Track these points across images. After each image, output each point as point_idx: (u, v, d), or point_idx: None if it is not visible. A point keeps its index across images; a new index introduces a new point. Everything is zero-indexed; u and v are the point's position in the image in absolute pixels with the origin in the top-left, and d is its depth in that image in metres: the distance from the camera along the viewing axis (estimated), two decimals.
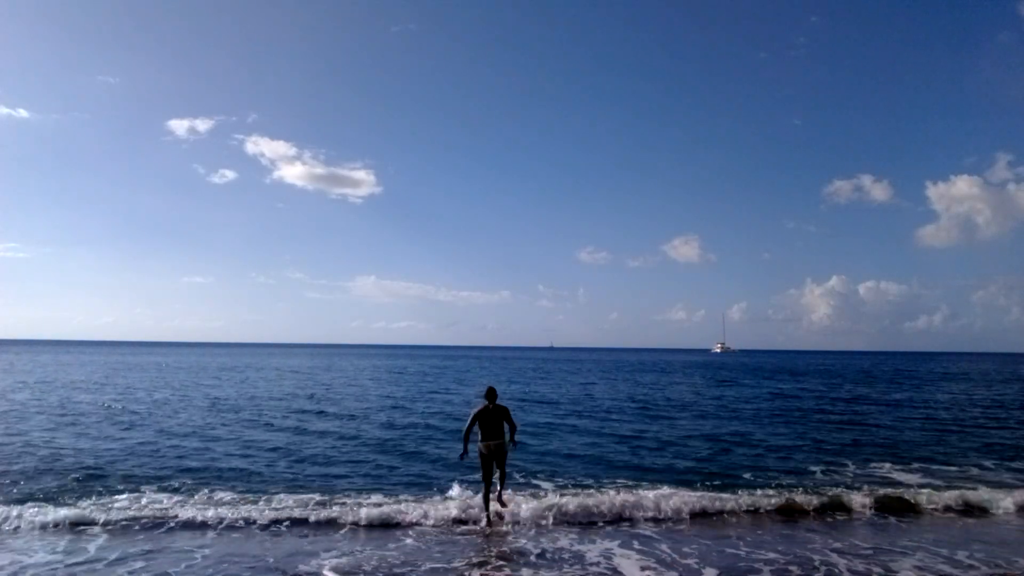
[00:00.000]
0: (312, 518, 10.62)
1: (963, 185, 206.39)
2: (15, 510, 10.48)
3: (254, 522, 10.44)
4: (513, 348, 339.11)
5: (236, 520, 10.46)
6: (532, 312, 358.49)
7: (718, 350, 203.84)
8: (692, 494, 12.03)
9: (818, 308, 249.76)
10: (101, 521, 10.28)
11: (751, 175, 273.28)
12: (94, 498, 11.70)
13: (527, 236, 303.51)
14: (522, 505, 11.04)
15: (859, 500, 11.92)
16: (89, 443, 18.02)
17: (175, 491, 12.43)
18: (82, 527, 10.09)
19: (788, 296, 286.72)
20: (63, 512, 10.38)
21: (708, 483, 13.67)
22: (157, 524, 10.31)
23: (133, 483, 13.09)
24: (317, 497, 11.84)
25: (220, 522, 10.38)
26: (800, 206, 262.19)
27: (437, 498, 11.94)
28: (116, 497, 11.70)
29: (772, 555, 9.10)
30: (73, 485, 12.89)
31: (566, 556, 8.95)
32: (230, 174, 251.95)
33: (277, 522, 10.49)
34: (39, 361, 73.62)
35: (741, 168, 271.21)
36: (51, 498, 11.67)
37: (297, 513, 10.82)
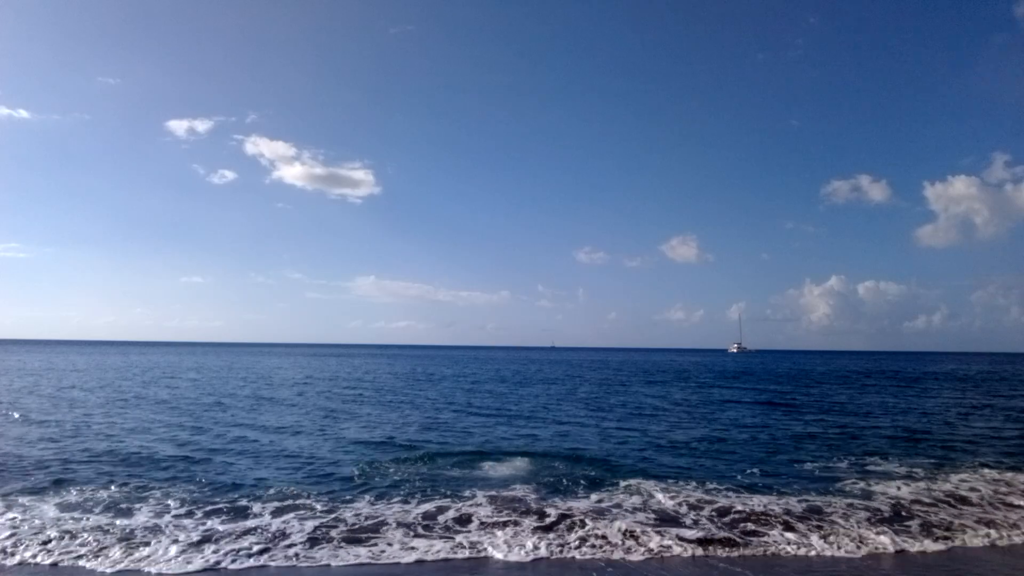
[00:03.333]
0: None
1: (961, 185, 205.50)
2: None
3: None
4: (513, 348, 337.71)
5: None
6: (532, 312, 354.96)
7: (734, 350, 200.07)
8: None
9: (817, 308, 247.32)
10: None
11: (749, 175, 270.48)
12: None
13: (526, 236, 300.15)
14: None
15: None
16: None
17: None
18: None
19: (787, 296, 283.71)
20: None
21: None
22: None
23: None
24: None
25: None
26: (798, 206, 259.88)
27: None
28: None
29: None
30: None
31: None
32: (229, 174, 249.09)
33: None
34: (23, 361, 72.21)
35: (739, 168, 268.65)
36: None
37: None
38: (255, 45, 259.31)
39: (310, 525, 10.42)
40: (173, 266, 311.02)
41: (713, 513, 11.45)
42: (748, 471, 15.34)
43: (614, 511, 11.51)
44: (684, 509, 11.69)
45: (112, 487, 12.77)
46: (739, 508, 11.77)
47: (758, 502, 12.22)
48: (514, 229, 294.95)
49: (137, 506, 11.38)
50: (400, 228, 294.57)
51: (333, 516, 10.98)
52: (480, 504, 11.88)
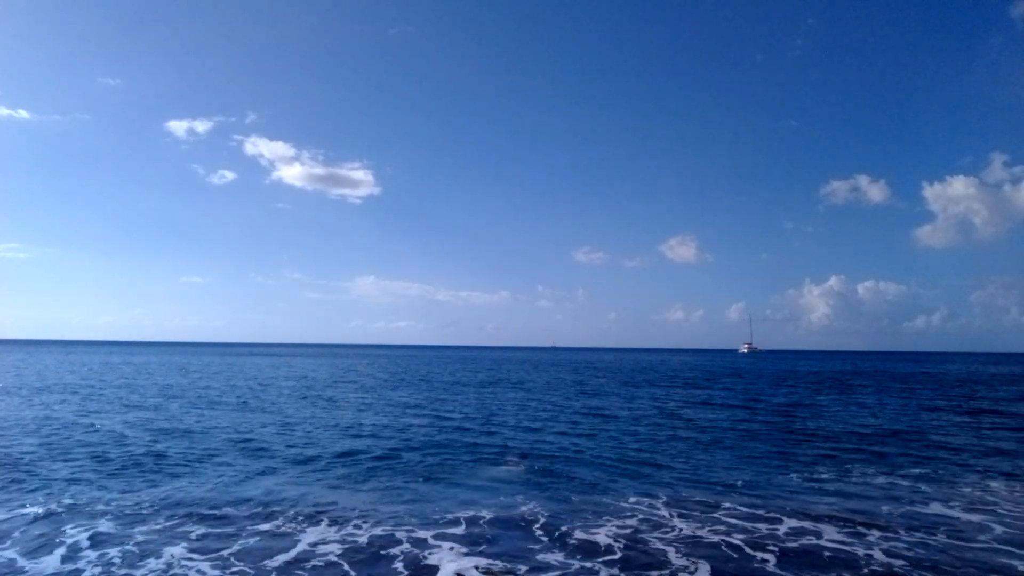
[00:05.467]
0: None
1: (959, 185, 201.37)
2: None
3: None
4: (513, 348, 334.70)
5: None
6: (531, 312, 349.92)
7: (745, 350, 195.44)
8: None
9: (817, 308, 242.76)
10: None
11: (748, 176, 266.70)
12: None
13: (525, 236, 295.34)
14: None
15: None
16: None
17: None
18: None
19: (787, 296, 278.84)
20: None
21: None
22: None
23: None
24: None
25: None
26: (797, 206, 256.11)
27: None
28: None
29: None
30: None
31: None
32: (229, 175, 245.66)
33: None
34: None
35: (737, 169, 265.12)
36: None
37: None
38: (255, 45, 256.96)
39: None
40: (173, 266, 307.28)
41: (782, 553, 8.51)
42: (752, 480, 12.65)
43: (651, 549, 8.58)
44: (740, 543, 8.76)
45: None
46: (813, 542, 8.85)
47: (829, 534, 9.30)
48: (513, 229, 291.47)
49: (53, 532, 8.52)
50: (400, 228, 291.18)
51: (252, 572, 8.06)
52: (460, 536, 8.97)
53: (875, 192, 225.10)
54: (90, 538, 8.72)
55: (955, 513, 10.67)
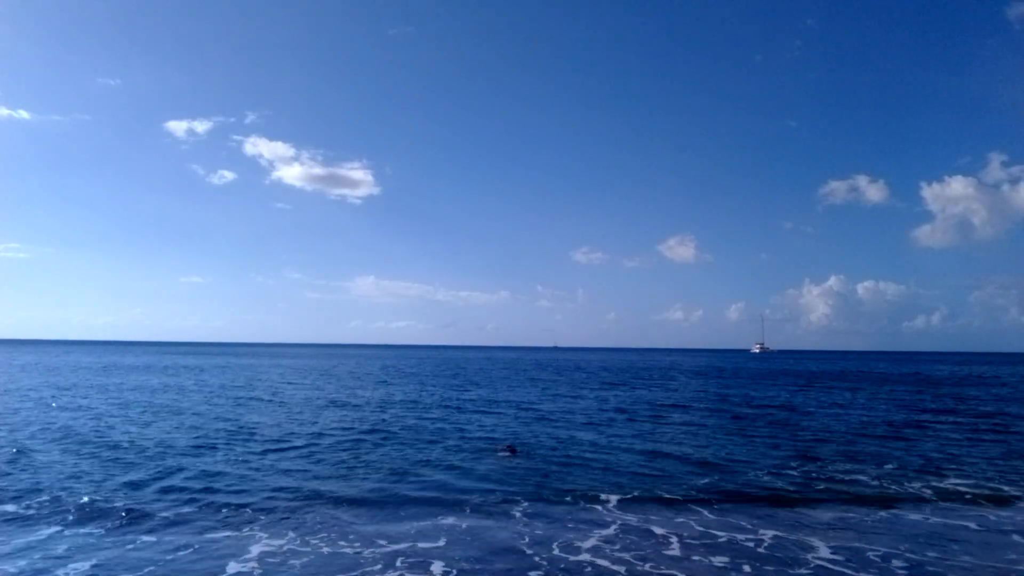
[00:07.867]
0: None
1: (958, 186, 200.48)
2: None
3: None
4: (514, 348, 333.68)
5: None
6: (531, 312, 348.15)
7: (757, 350, 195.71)
8: None
9: (816, 308, 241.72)
10: None
11: (746, 176, 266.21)
12: None
13: (524, 236, 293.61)
14: None
15: None
16: None
17: None
18: None
19: (786, 296, 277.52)
20: None
21: None
22: None
23: None
24: None
25: None
26: (796, 207, 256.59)
27: None
28: None
29: None
30: None
31: None
32: (229, 175, 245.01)
33: None
34: None
35: (736, 169, 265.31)
36: None
37: None
38: (255, 45, 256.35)
39: None
40: (173, 266, 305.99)
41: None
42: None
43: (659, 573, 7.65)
44: (752, 569, 7.83)
45: None
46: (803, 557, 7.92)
47: (822, 552, 8.37)
48: (513, 229, 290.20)
49: None
50: (400, 228, 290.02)
51: None
52: (437, 552, 8.02)
53: (874, 192, 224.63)
54: None
55: (961, 522, 9.76)
